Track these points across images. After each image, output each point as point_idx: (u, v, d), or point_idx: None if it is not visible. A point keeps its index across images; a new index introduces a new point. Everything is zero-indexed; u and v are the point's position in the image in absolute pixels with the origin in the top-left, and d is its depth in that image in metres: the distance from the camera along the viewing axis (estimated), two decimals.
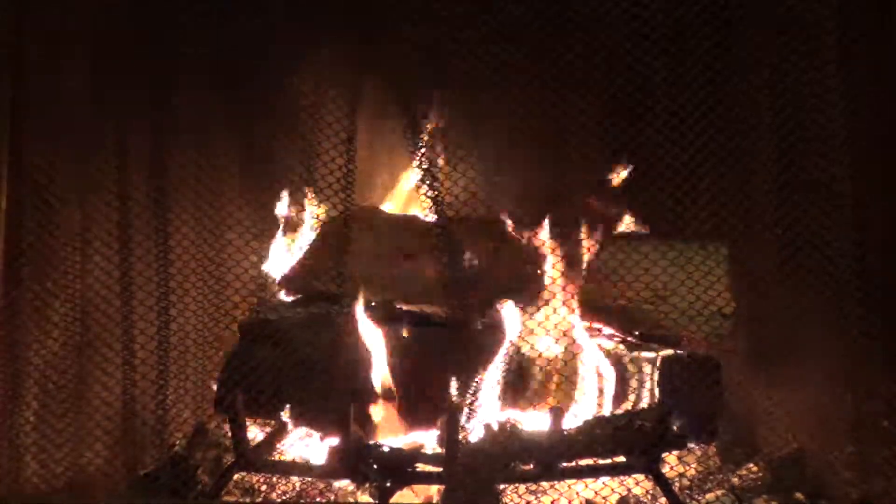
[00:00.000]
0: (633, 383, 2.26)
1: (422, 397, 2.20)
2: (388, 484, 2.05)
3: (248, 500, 2.15)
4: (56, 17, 2.23)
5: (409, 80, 2.19)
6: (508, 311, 2.23)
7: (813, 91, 2.09)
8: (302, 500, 2.14)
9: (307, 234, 2.32)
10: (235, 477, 2.13)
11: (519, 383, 2.24)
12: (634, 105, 2.13)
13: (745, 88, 2.13)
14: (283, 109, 2.22)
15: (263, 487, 2.18)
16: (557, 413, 2.09)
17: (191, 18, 2.17)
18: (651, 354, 2.24)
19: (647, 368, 2.25)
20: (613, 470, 2.07)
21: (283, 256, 2.33)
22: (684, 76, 2.10)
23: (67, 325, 2.18)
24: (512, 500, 2.06)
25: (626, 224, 2.29)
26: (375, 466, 2.05)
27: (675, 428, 2.12)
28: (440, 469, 2.04)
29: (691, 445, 2.18)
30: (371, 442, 2.14)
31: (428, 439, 2.17)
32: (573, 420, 2.17)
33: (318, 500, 2.14)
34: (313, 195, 2.28)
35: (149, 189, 2.22)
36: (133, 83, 2.22)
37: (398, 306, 2.25)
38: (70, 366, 2.18)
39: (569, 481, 2.08)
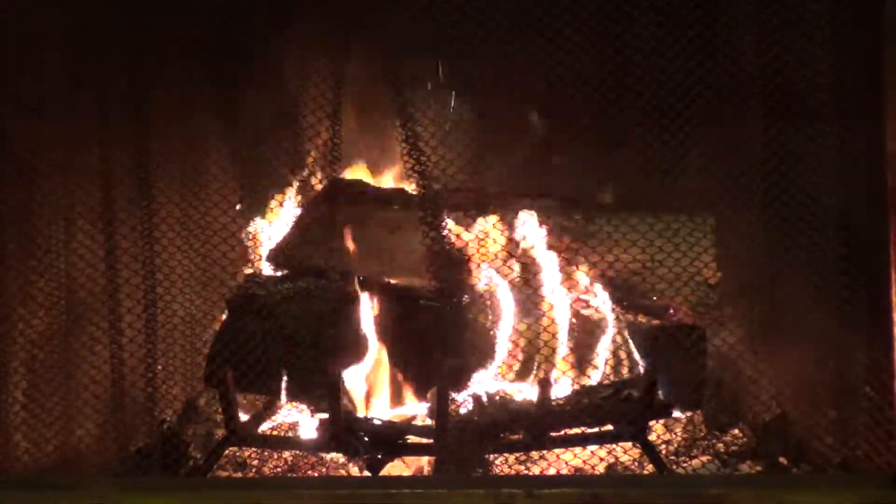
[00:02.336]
0: (621, 353, 2.29)
1: (411, 370, 2.21)
2: (379, 456, 2.06)
3: (239, 474, 2.16)
4: None
5: (396, 52, 2.17)
6: (495, 283, 2.24)
7: (801, 60, 2.09)
8: (293, 474, 2.15)
9: (294, 209, 2.30)
10: (227, 452, 2.14)
11: (507, 355, 2.26)
12: (622, 75, 2.12)
13: (733, 57, 2.13)
14: (268, 83, 2.19)
15: (255, 462, 2.19)
16: (545, 384, 2.11)
17: None
18: (638, 324, 2.26)
19: (634, 338, 2.27)
20: (601, 439, 2.10)
21: (270, 231, 2.31)
22: (672, 45, 2.09)
23: (53, 302, 2.16)
24: (502, 470, 2.08)
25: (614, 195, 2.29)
26: (366, 439, 2.06)
27: (661, 396, 2.15)
28: (431, 441, 2.06)
29: (677, 413, 2.21)
30: (362, 415, 2.15)
31: (418, 411, 2.19)
32: (561, 390, 2.19)
33: (309, 473, 2.15)
34: (300, 169, 2.26)
35: (133, 163, 2.19)
36: (116, 55, 2.19)
37: (386, 280, 2.25)
38: (57, 344, 2.16)
39: (557, 450, 2.11)
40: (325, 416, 2.10)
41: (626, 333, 2.30)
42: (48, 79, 2.17)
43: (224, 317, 2.21)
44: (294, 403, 2.22)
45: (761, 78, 2.12)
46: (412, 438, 2.10)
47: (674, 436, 2.25)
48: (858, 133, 2.09)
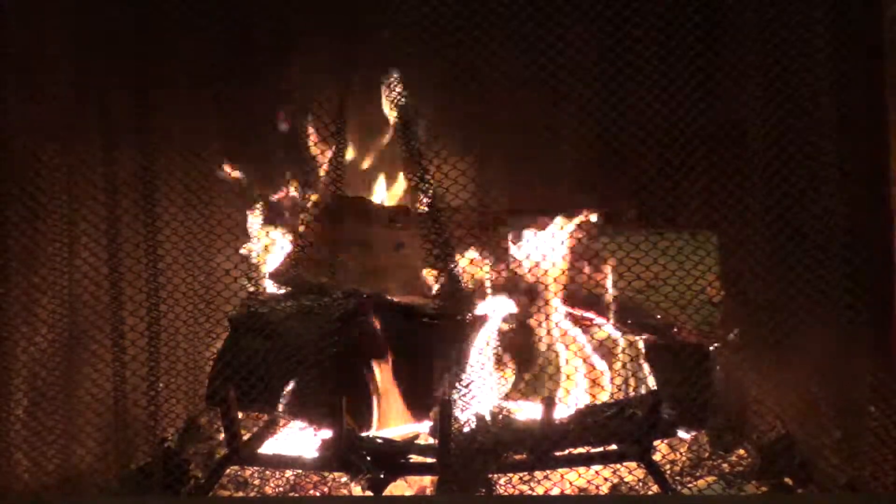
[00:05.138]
0: (625, 372, 2.28)
1: (414, 388, 2.20)
2: (382, 475, 2.05)
3: (241, 494, 2.14)
4: (37, 4, 2.20)
5: (398, 70, 2.18)
6: (500, 301, 2.24)
7: (803, 77, 2.10)
8: (295, 494, 2.14)
9: (297, 227, 2.31)
10: (228, 471, 2.13)
11: (511, 373, 2.25)
12: (624, 94, 2.13)
13: (735, 74, 2.14)
14: (272, 100, 2.20)
15: (256, 481, 2.18)
16: (549, 403, 2.10)
17: (178, 6, 2.15)
18: (642, 343, 2.25)
19: (638, 357, 2.26)
20: (606, 458, 2.08)
21: (272, 249, 2.31)
22: (674, 63, 2.10)
23: (56, 320, 2.16)
24: (505, 490, 2.07)
25: (618, 213, 2.29)
26: (368, 458, 2.05)
27: (665, 416, 2.13)
28: (433, 460, 2.05)
29: (682, 433, 2.20)
30: (364, 434, 2.14)
31: (421, 430, 2.18)
32: (565, 409, 2.18)
33: (311, 492, 2.14)
34: (303, 187, 2.27)
35: (137, 181, 2.19)
36: (119, 73, 2.20)
37: (389, 298, 2.25)
38: (59, 362, 2.16)
39: (561, 470, 2.09)
40: (328, 434, 2.09)
41: (630, 352, 2.29)
42: (52, 98, 2.18)
43: (226, 335, 2.20)
44: (296, 422, 2.21)
45: (763, 99, 2.13)
46: (415, 458, 2.08)
47: (679, 455, 2.23)
48: (863, 151, 2.09)
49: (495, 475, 2.06)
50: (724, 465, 2.21)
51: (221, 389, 2.09)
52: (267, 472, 2.18)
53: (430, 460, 2.06)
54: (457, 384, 2.14)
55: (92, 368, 2.16)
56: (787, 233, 2.11)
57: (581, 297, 2.23)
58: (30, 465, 2.10)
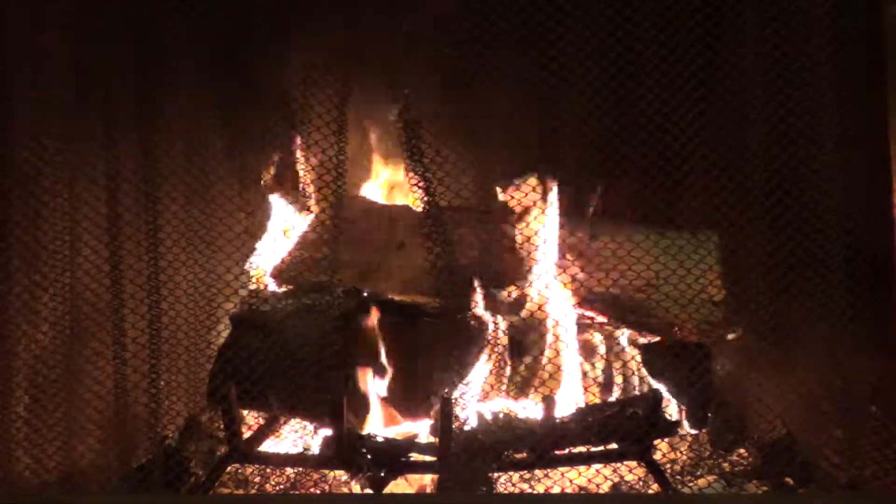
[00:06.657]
0: (625, 371, 2.28)
1: (415, 387, 2.20)
2: (382, 474, 2.05)
3: (241, 491, 2.14)
4: (37, 2, 2.20)
5: (398, 68, 2.18)
6: (500, 300, 2.24)
7: (804, 79, 2.10)
8: (296, 492, 2.14)
9: (298, 225, 2.31)
10: (229, 469, 2.13)
11: (512, 372, 2.25)
12: (625, 92, 2.13)
13: (737, 75, 2.14)
14: (273, 99, 2.20)
15: (257, 479, 2.18)
16: (550, 401, 2.10)
17: (179, 2, 2.15)
18: (643, 342, 2.25)
19: (638, 356, 2.26)
20: (606, 457, 2.08)
21: (274, 247, 2.32)
22: (675, 63, 2.10)
23: (57, 317, 2.16)
24: (506, 489, 2.07)
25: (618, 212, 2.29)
26: (369, 456, 2.05)
27: (666, 415, 2.13)
28: (434, 459, 2.05)
29: (682, 432, 2.20)
30: (365, 432, 2.14)
31: (422, 429, 2.18)
32: (566, 408, 2.18)
33: (311, 490, 2.14)
34: (304, 186, 2.27)
35: (138, 179, 2.19)
36: (120, 71, 2.20)
37: (390, 297, 2.25)
38: (60, 359, 2.16)
39: (562, 469, 2.09)
40: (328, 433, 2.09)
41: (631, 351, 2.29)
42: (53, 95, 2.18)
43: (228, 333, 2.21)
44: (297, 420, 2.21)
45: (765, 99, 2.13)
46: (415, 456, 2.08)
47: (679, 455, 2.23)
48: (864, 151, 2.09)
49: (496, 473, 2.06)
50: (725, 465, 2.21)
51: (222, 387, 2.09)
52: (267, 470, 2.18)
53: (430, 459, 2.06)
54: (458, 382, 2.13)
55: (93, 366, 2.16)
56: (789, 232, 2.11)
57: (582, 295, 2.22)
58: (31, 463, 2.11)
